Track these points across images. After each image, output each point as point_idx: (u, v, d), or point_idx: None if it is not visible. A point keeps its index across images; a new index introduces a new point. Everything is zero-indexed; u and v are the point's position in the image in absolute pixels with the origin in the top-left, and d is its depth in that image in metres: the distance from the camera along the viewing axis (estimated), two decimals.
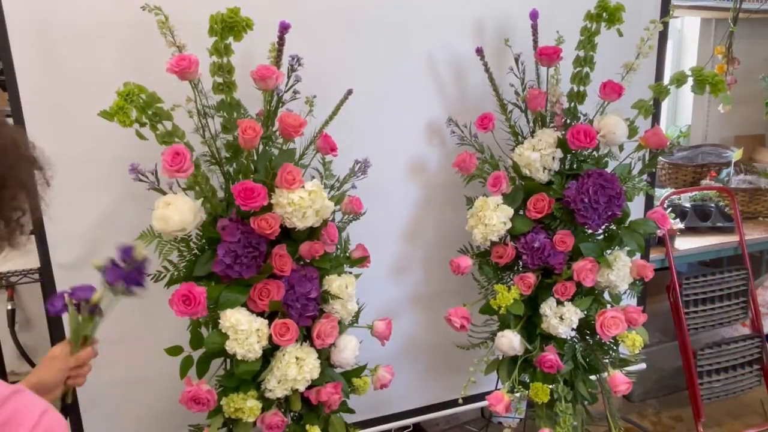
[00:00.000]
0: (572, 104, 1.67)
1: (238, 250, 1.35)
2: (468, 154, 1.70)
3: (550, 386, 1.62)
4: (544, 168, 1.62)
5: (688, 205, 2.66)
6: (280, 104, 1.44)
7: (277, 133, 1.42)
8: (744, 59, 2.96)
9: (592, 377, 1.74)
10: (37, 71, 1.45)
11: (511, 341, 1.61)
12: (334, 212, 1.48)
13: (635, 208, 1.86)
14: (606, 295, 1.72)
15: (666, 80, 1.68)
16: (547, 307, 1.62)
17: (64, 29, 1.45)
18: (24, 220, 1.00)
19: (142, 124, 1.30)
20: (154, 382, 1.70)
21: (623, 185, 1.62)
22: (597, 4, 1.59)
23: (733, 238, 2.51)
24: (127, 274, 1.14)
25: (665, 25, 1.82)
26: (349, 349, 1.51)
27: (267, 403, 1.45)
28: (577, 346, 1.72)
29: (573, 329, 1.65)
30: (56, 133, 1.50)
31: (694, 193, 2.76)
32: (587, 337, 1.74)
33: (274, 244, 1.41)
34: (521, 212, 1.66)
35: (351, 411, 1.59)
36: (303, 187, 1.36)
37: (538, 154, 1.61)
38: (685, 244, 2.46)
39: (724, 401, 2.47)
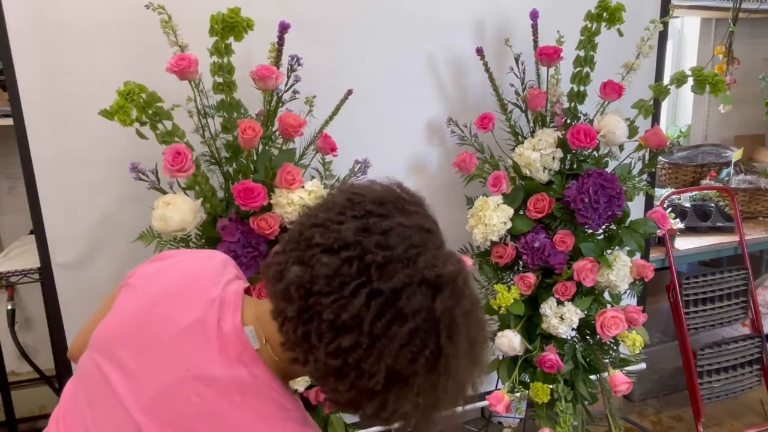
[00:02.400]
0: (572, 104, 1.67)
1: (237, 250, 1.35)
2: (468, 154, 1.70)
3: (550, 386, 1.62)
4: (545, 168, 1.62)
5: (688, 205, 2.66)
6: (280, 104, 1.44)
7: (277, 133, 1.42)
8: (744, 59, 2.96)
9: (593, 377, 1.74)
10: (37, 71, 1.45)
11: (511, 341, 1.61)
12: None
13: (635, 208, 1.86)
14: (606, 295, 1.72)
15: (666, 80, 1.68)
16: (548, 307, 1.62)
17: (64, 29, 1.45)
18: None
19: (143, 124, 1.30)
20: None
21: (623, 185, 1.62)
22: (597, 4, 1.59)
23: (733, 238, 2.51)
24: None
25: (665, 25, 1.82)
26: None
27: None
28: (577, 346, 1.72)
29: (573, 329, 1.65)
30: (56, 133, 1.50)
31: (694, 193, 2.76)
32: (587, 337, 1.74)
33: (274, 243, 1.41)
34: (521, 212, 1.66)
35: None
36: (303, 187, 1.37)
37: (538, 154, 1.61)
38: (685, 244, 2.45)
39: (724, 401, 2.47)
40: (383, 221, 0.69)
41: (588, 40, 1.61)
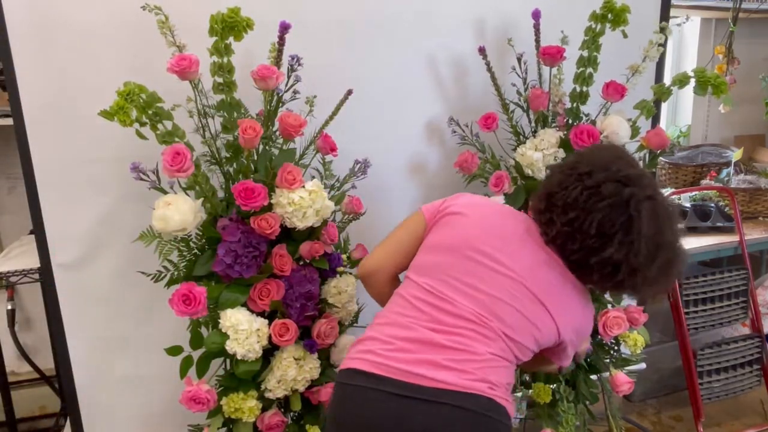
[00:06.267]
0: (575, 104, 1.67)
1: (238, 249, 1.34)
2: (470, 154, 1.70)
3: (552, 386, 1.61)
4: (547, 168, 1.62)
5: (688, 205, 2.66)
6: (280, 104, 1.44)
7: (278, 133, 1.42)
8: (744, 59, 2.96)
9: (594, 377, 1.74)
10: (37, 71, 1.45)
11: None
12: (334, 212, 1.48)
13: None
14: (607, 295, 1.71)
15: (666, 80, 1.67)
16: None
17: (64, 29, 1.45)
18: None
19: (143, 124, 1.30)
20: (154, 382, 1.70)
21: None
22: (603, 5, 1.58)
23: (733, 238, 2.51)
24: None
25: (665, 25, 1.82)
26: None
27: (267, 403, 1.45)
28: None
29: None
30: (56, 133, 1.50)
31: (694, 193, 2.75)
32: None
33: (274, 243, 1.41)
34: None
35: None
36: (303, 187, 1.36)
37: (541, 154, 1.60)
38: (685, 244, 2.45)
39: (724, 401, 2.47)
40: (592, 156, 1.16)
41: (592, 41, 1.60)
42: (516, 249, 1.13)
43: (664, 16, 1.93)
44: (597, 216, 1.05)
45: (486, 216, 1.19)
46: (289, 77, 1.44)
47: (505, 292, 1.09)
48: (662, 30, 1.63)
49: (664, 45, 2.00)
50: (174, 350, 1.45)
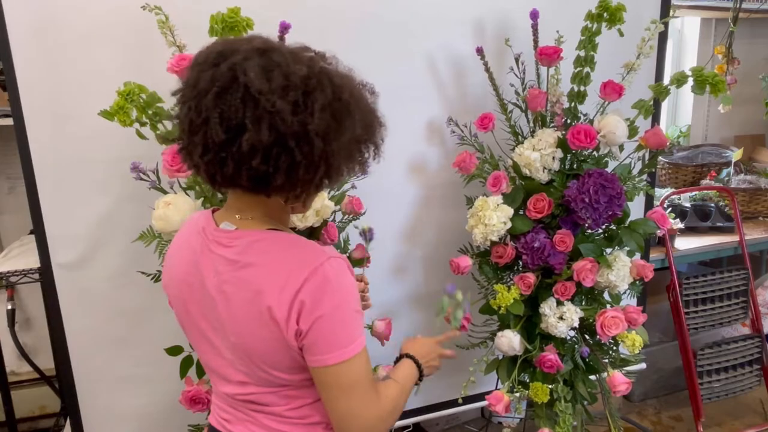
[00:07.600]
0: (572, 104, 1.67)
1: None
2: (468, 154, 1.70)
3: (550, 386, 1.62)
4: (544, 168, 1.62)
5: (688, 205, 2.66)
6: None
7: None
8: (744, 59, 2.96)
9: (592, 377, 1.74)
10: (37, 71, 1.46)
11: (510, 341, 1.61)
12: (334, 212, 1.48)
13: (635, 208, 1.86)
14: (606, 295, 1.71)
15: (666, 80, 1.67)
16: (547, 307, 1.62)
17: (64, 29, 1.45)
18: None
19: (143, 124, 1.30)
20: (154, 382, 1.70)
21: (623, 185, 1.62)
22: (598, 4, 1.59)
23: (733, 238, 2.51)
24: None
25: (665, 25, 1.82)
26: None
27: None
28: (576, 346, 1.72)
29: (573, 329, 1.65)
30: (56, 133, 1.50)
31: (694, 193, 2.76)
32: (587, 337, 1.74)
33: None
34: (521, 212, 1.66)
35: None
36: None
37: (538, 154, 1.60)
38: (685, 244, 2.45)
39: (724, 401, 2.47)
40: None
41: (588, 40, 1.61)
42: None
43: (665, 15, 1.93)
44: (214, 116, 0.84)
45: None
46: None
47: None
48: (653, 23, 1.63)
49: (663, 44, 2.01)
50: (174, 350, 1.45)
